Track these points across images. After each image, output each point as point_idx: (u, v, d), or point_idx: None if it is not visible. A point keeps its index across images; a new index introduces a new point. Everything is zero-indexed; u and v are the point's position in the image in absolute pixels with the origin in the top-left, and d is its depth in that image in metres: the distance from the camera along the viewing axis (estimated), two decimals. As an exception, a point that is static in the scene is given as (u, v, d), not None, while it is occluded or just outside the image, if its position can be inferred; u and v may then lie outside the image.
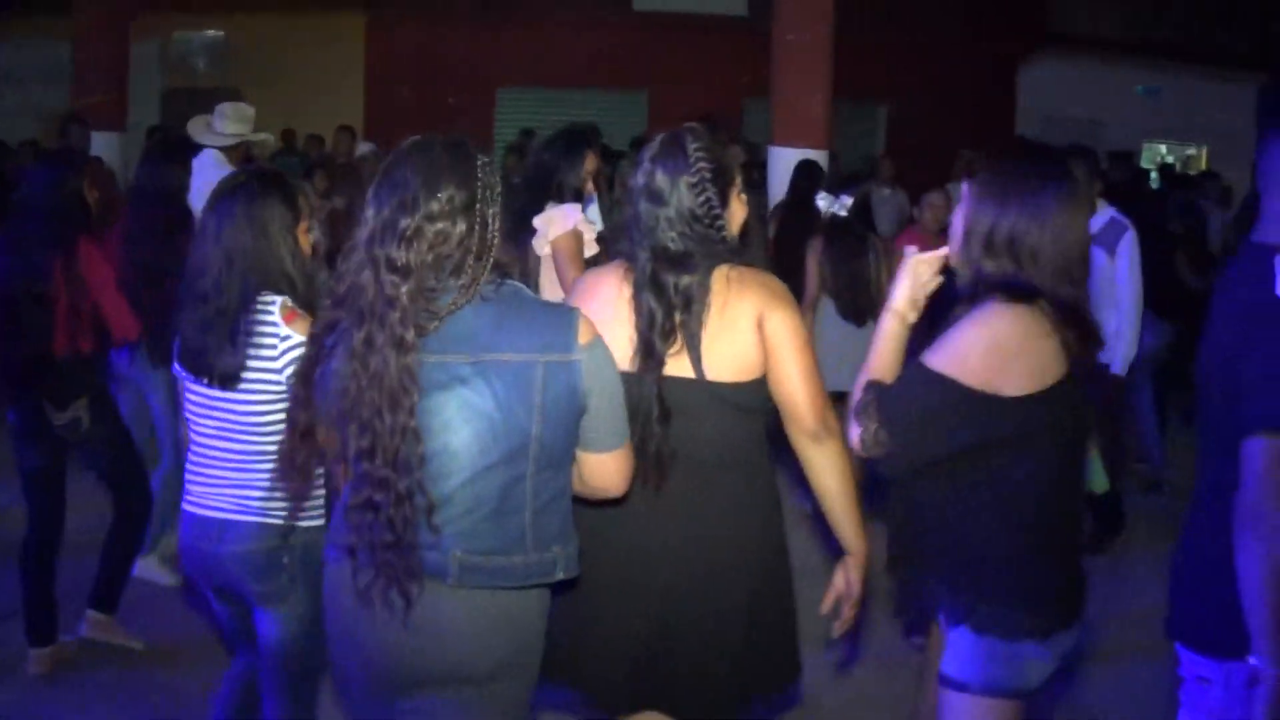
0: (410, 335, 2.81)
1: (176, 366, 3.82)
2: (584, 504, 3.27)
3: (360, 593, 2.94)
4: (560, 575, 3.03)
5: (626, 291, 3.51)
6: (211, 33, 19.80)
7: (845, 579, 3.59)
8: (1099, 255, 7.21)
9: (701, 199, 3.50)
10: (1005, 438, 3.14)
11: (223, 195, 3.74)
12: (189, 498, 3.81)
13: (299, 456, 3.11)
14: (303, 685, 3.88)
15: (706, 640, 3.51)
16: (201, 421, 3.76)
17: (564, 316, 2.99)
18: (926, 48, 20.19)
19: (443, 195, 2.85)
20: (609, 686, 3.59)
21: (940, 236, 6.96)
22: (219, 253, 3.66)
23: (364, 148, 13.64)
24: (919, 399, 3.14)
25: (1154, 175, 17.98)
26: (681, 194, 3.49)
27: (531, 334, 2.90)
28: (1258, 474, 2.79)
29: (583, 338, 2.95)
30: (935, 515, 3.32)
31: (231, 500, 3.67)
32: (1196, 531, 3.11)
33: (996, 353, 3.08)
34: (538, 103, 19.48)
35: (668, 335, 3.44)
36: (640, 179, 3.55)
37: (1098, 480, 6.95)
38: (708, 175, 3.51)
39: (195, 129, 8.28)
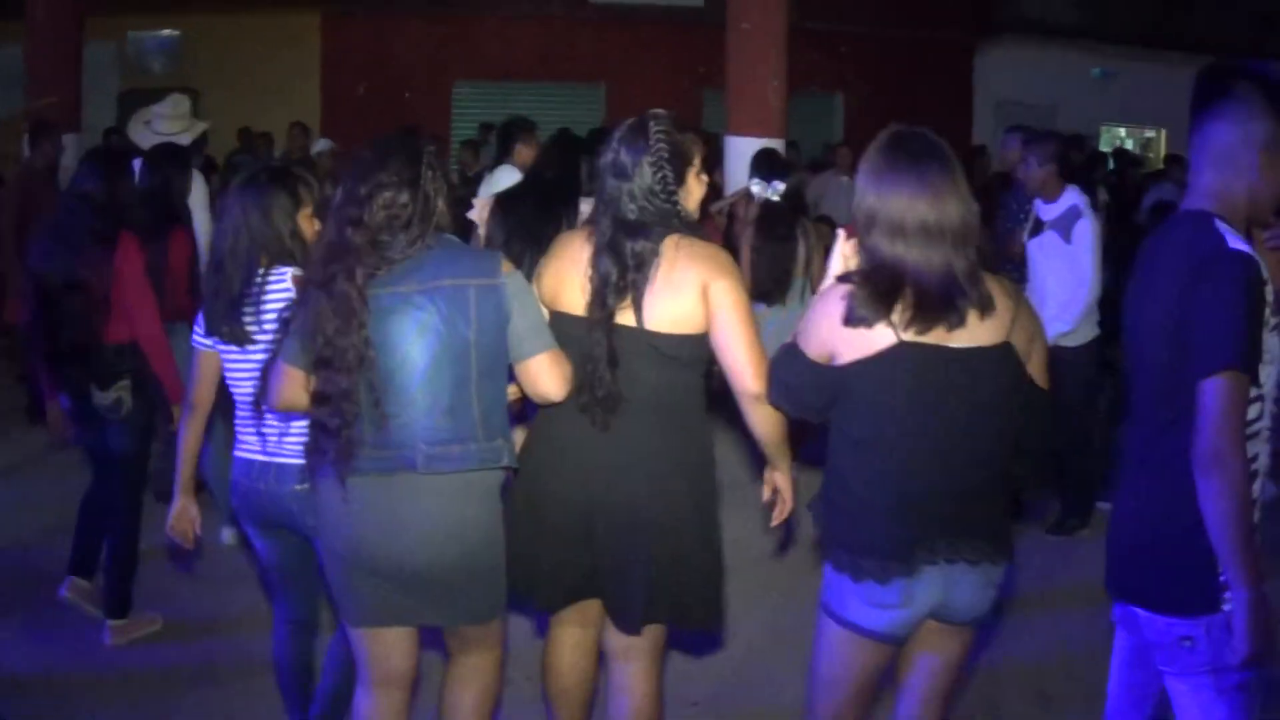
0: (361, 271, 3.66)
1: (208, 337, 4.40)
2: (539, 439, 4.09)
3: (318, 469, 3.78)
4: (506, 462, 3.84)
5: (588, 251, 3.98)
6: (167, 32, 19.67)
7: (772, 483, 4.19)
8: (1055, 240, 7.35)
9: (659, 176, 3.96)
10: (841, 398, 3.51)
11: (239, 187, 4.44)
12: (243, 446, 4.38)
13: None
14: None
15: (629, 561, 3.98)
16: (245, 381, 4.32)
17: (490, 255, 4.00)
18: (882, 35, 20.30)
19: (391, 168, 3.73)
20: (557, 602, 4.20)
21: None
22: (231, 233, 4.33)
23: (320, 144, 13.64)
24: (782, 365, 3.65)
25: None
26: (643, 171, 3.94)
27: (465, 266, 3.78)
28: (1215, 413, 3.01)
29: (505, 269, 3.81)
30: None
31: (280, 446, 4.24)
32: (1147, 499, 3.29)
33: (824, 326, 3.47)
34: (494, 96, 19.34)
35: (620, 292, 3.90)
36: (608, 156, 4.01)
37: None
38: (665, 156, 3.96)
39: (135, 130, 8.33)
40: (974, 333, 3.39)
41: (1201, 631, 3.17)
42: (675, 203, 3.99)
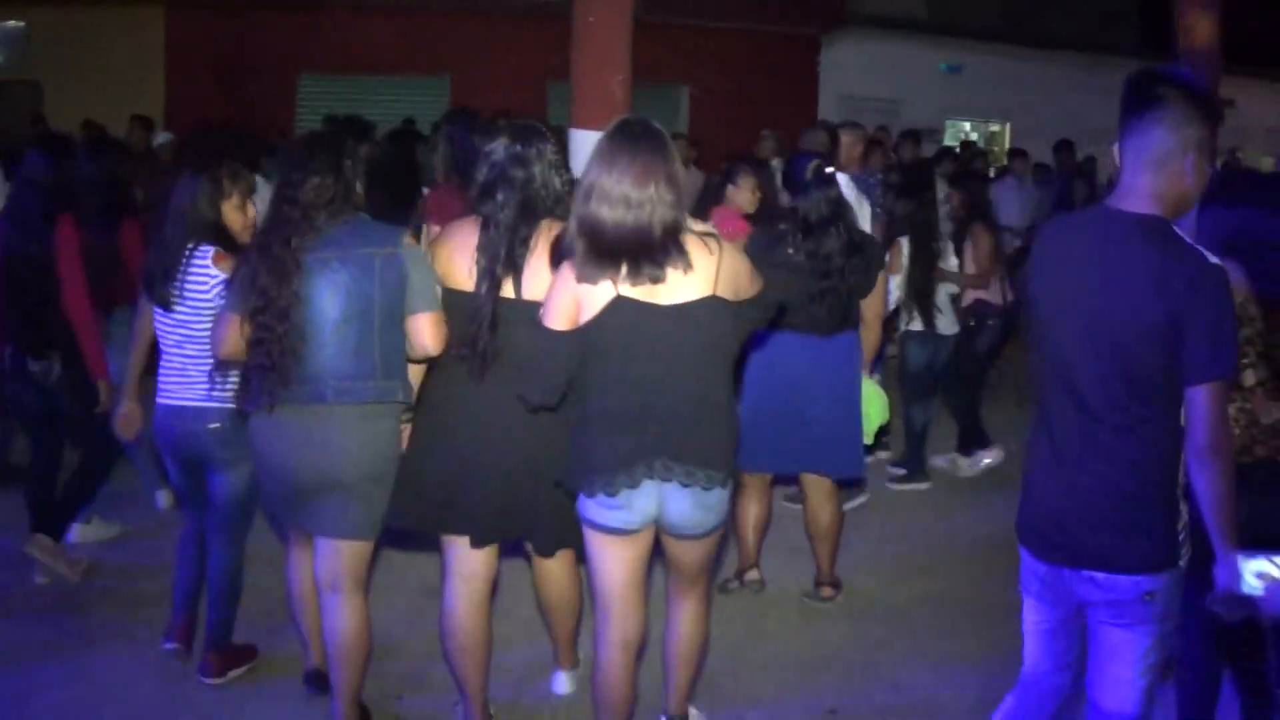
0: (295, 239, 4.60)
1: (144, 295, 5.42)
2: (430, 388, 4.78)
3: (251, 404, 4.68)
4: (401, 399, 4.71)
5: (475, 237, 4.63)
6: (12, 24, 19.31)
7: None
8: None
9: (558, 164, 4.71)
10: (584, 348, 4.25)
11: (181, 180, 5.42)
12: (166, 393, 5.36)
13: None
14: (240, 526, 5.59)
15: (501, 484, 4.68)
16: (168, 336, 5.35)
17: (394, 230, 4.79)
18: (728, 28, 20.50)
19: (320, 158, 4.71)
20: (472, 526, 4.76)
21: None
22: (173, 216, 5.34)
23: (162, 137, 13.55)
24: (538, 348, 4.31)
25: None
26: (547, 160, 4.67)
27: (373, 239, 4.68)
28: (1213, 413, 3.42)
29: (406, 242, 4.70)
30: None
31: (200, 392, 5.25)
32: (1118, 482, 3.61)
33: (565, 294, 4.23)
34: (340, 89, 19.31)
35: (507, 268, 4.56)
36: (504, 153, 4.66)
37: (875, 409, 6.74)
38: (557, 148, 4.73)
39: None
40: (678, 289, 4.16)
41: (1162, 585, 3.60)
42: (569, 189, 4.63)
